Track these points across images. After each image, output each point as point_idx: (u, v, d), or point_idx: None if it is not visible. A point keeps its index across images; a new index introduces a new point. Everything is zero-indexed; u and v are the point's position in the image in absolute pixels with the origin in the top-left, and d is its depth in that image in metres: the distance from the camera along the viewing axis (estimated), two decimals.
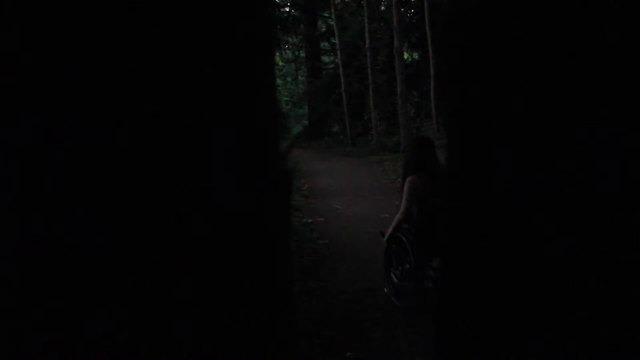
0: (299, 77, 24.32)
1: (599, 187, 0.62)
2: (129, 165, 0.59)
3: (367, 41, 15.89)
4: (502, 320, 0.69)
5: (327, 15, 21.49)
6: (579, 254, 0.63)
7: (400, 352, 3.07)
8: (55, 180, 0.57)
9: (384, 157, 13.48)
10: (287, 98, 23.53)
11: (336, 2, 18.74)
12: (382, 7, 18.95)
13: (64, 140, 0.57)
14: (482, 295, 0.71)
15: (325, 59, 23.43)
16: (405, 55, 17.72)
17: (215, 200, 0.63)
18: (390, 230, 3.60)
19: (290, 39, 22.37)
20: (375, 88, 16.27)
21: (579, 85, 0.62)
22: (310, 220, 6.91)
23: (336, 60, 19.84)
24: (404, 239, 3.43)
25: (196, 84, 0.60)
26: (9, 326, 0.59)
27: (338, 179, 10.58)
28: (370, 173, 11.17)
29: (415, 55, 19.54)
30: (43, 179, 0.57)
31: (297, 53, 23.16)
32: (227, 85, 0.62)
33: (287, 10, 18.35)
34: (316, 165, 12.58)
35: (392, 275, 3.69)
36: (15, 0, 0.55)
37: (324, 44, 22.98)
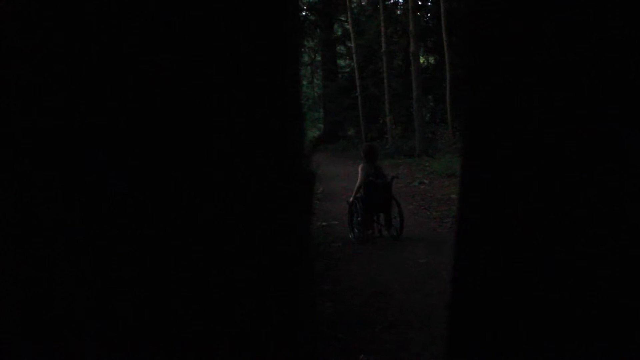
0: (315, 81, 24.34)
1: (614, 196, 0.63)
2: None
3: (383, 45, 15.88)
4: (514, 323, 0.69)
5: (343, 19, 21.50)
6: (589, 259, 0.64)
7: (413, 354, 3.08)
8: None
9: (398, 161, 13.42)
10: (303, 101, 23.50)
11: (352, 6, 18.75)
12: (399, 12, 18.92)
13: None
14: (494, 299, 0.71)
15: (341, 62, 23.41)
16: (421, 60, 17.65)
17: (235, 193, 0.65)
18: (352, 197, 6.16)
19: (306, 43, 22.39)
20: (391, 92, 16.23)
21: (597, 91, 0.63)
22: (324, 223, 6.93)
23: (352, 63, 19.83)
24: (357, 204, 6.09)
25: (227, 91, 0.63)
26: None
27: (352, 182, 10.54)
28: None
29: (432, 60, 19.46)
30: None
31: (313, 56, 23.18)
32: (256, 89, 0.65)
33: (304, 14, 18.38)
34: (331, 168, 12.56)
35: (352, 225, 6.19)
36: None
37: (340, 48, 22.97)
